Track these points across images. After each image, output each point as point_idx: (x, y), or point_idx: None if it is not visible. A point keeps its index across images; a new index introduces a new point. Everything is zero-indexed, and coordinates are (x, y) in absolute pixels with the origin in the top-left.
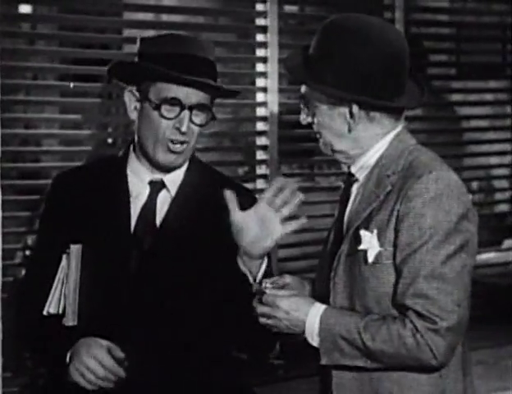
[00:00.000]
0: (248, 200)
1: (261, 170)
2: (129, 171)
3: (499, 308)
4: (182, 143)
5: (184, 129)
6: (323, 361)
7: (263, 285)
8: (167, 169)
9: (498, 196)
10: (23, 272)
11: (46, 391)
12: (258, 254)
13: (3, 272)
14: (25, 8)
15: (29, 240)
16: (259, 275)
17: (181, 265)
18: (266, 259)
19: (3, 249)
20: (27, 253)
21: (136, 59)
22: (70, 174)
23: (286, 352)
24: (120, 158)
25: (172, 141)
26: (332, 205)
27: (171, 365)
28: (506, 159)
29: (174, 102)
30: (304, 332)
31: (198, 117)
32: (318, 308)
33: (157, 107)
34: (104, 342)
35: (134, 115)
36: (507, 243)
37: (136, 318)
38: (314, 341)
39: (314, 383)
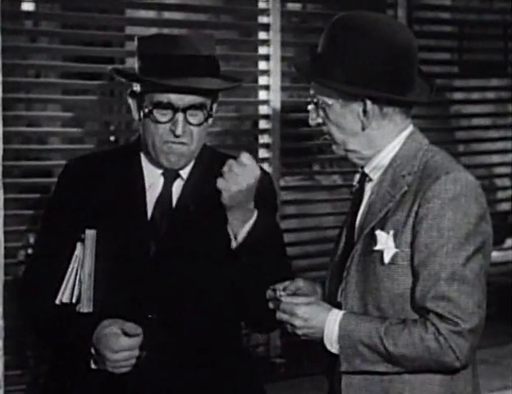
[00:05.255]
0: (262, 178)
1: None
2: (143, 162)
3: (500, 307)
4: (181, 144)
5: (178, 132)
6: (343, 368)
7: (277, 292)
8: (174, 170)
9: (500, 195)
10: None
11: (48, 389)
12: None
13: (5, 270)
14: (27, 6)
15: (31, 238)
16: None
17: (197, 248)
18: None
19: (5, 248)
20: (29, 251)
21: (136, 58)
22: (82, 161)
23: (288, 351)
24: (132, 147)
25: (169, 143)
26: (333, 204)
27: (189, 351)
28: (508, 157)
29: (166, 106)
30: (322, 339)
31: (195, 117)
32: (336, 314)
33: (150, 113)
34: (117, 329)
35: (137, 116)
36: (509, 242)
37: (155, 302)
38: (334, 348)
39: (316, 382)
